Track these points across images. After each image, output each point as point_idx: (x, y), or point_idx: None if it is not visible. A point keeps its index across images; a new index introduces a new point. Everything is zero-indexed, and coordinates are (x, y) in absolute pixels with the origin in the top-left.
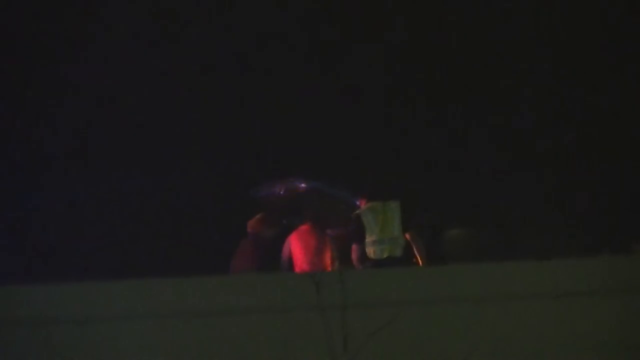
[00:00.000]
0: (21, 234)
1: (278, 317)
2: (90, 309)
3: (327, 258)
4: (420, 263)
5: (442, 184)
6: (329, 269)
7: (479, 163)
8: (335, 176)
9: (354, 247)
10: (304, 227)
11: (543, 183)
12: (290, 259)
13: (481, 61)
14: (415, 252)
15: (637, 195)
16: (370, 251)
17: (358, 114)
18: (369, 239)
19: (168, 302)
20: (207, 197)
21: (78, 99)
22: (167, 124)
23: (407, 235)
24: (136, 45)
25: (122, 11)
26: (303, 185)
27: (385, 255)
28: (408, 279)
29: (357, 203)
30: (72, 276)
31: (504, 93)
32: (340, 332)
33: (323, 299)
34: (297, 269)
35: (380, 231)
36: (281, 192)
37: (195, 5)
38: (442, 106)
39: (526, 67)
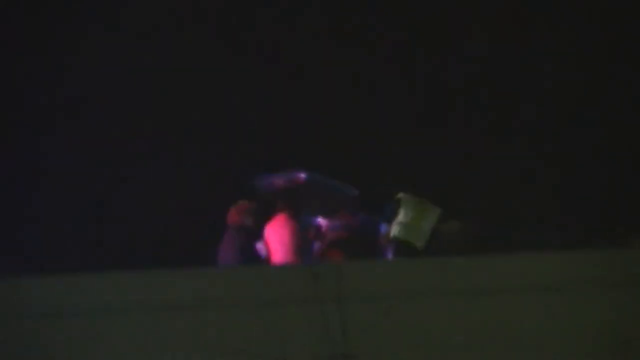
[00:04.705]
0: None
1: (275, 309)
2: (73, 302)
3: (297, 248)
4: None
5: (437, 176)
6: (299, 259)
7: (474, 155)
8: (341, 170)
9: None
10: (277, 217)
11: (539, 175)
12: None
13: (475, 56)
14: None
15: (634, 188)
16: (392, 229)
17: (360, 106)
18: (398, 218)
19: (158, 295)
20: (202, 187)
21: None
22: (162, 114)
23: None
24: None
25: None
26: (303, 176)
27: (399, 235)
28: (405, 270)
29: (355, 194)
30: (53, 269)
31: (501, 87)
32: (338, 324)
33: (321, 291)
34: (271, 260)
35: (412, 218)
36: (281, 183)
37: None
38: (439, 100)
39: (524, 63)
